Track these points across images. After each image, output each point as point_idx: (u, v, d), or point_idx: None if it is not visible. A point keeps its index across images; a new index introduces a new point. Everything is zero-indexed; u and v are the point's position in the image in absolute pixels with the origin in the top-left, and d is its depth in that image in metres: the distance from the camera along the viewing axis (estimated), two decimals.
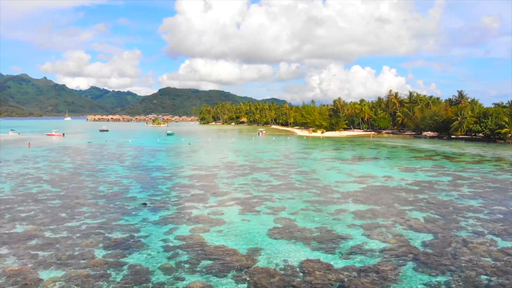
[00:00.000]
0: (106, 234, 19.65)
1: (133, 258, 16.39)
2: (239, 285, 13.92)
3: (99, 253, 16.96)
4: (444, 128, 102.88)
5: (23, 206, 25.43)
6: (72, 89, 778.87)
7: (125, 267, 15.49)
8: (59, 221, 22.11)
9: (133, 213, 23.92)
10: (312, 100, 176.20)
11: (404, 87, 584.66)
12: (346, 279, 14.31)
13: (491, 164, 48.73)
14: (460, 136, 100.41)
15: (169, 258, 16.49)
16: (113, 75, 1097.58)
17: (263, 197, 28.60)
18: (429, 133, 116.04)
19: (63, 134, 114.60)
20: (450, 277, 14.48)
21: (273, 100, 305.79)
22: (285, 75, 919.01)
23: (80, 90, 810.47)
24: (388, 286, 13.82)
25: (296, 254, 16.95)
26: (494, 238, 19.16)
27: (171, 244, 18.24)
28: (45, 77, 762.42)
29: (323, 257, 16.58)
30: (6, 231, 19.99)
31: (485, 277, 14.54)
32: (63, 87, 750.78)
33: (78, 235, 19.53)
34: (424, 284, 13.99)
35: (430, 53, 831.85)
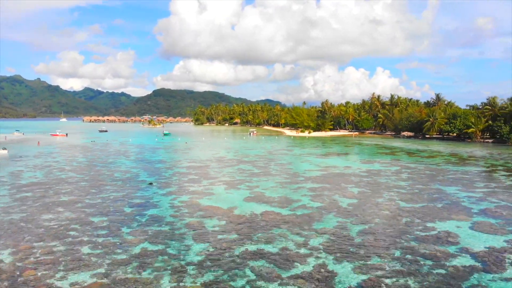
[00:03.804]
0: (130, 200, 28.02)
1: (151, 212, 24.80)
2: (221, 222, 22.37)
3: (127, 210, 25.33)
4: (418, 129, 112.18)
5: (60, 186, 33.65)
6: (66, 90, 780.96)
7: (146, 216, 23.88)
8: (92, 194, 30.40)
9: (146, 189, 32.28)
10: (304, 102, 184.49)
11: (398, 88, 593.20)
12: (289, 220, 22.83)
13: (442, 159, 57.58)
14: (433, 136, 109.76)
15: (175, 211, 24.92)
16: (107, 76, 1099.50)
17: (244, 180, 37.07)
18: (407, 133, 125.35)
19: (67, 134, 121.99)
20: (365, 226, 23.06)
21: (268, 101, 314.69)
22: (280, 76, 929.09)
23: (74, 91, 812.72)
24: (312, 223, 22.34)
25: (259, 208, 25.45)
26: (403, 204, 27.80)
27: (176, 204, 26.69)
28: (38, 78, 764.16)
29: (276, 210, 25.11)
30: (56, 200, 28.25)
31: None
32: (56, 88, 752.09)
33: (109, 201, 27.87)
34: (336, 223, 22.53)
35: (424, 54, 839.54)
